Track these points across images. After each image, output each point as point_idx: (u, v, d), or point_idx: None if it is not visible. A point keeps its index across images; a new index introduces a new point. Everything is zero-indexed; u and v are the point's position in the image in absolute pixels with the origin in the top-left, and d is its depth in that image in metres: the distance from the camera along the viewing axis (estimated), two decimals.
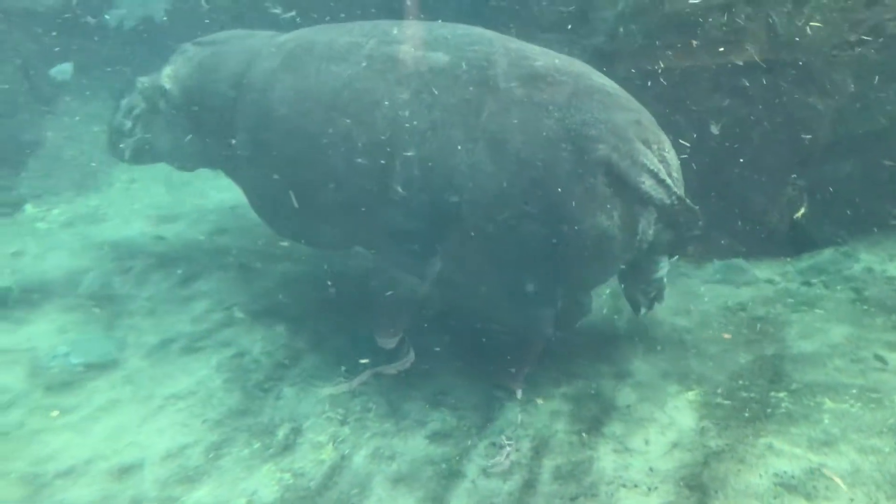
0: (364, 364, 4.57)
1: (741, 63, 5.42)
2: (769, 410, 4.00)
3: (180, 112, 5.46)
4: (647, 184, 3.93)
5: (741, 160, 5.58)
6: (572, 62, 4.42)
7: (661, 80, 5.53)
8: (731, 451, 3.69)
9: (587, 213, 3.92)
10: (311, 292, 5.64)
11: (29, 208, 7.52)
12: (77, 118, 8.24)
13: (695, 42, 5.46)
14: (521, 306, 4.32)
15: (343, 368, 4.65)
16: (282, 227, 5.40)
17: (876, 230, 5.56)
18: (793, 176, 5.59)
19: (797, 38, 5.32)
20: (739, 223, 5.75)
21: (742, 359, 4.52)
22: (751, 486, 3.44)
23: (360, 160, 4.33)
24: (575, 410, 4.18)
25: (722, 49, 5.42)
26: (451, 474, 3.75)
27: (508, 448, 3.88)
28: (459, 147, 4.08)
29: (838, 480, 3.39)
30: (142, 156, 5.88)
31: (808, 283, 5.30)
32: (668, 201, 3.95)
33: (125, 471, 3.86)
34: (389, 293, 4.70)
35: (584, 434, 3.96)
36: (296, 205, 4.70)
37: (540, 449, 3.88)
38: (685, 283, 5.48)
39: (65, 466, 3.90)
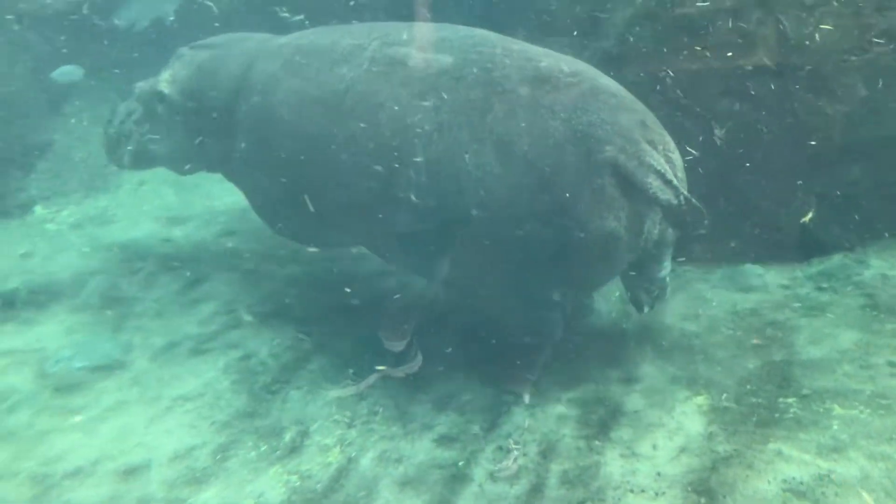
0: (377, 369, 4.56)
1: (751, 67, 5.40)
2: (778, 416, 3.97)
3: (179, 116, 5.46)
4: (655, 184, 3.92)
5: (750, 165, 5.55)
6: (575, 63, 4.41)
7: (670, 83, 5.51)
8: (739, 457, 3.67)
9: (595, 215, 3.92)
10: (318, 295, 5.65)
11: (38, 210, 7.56)
12: (85, 121, 8.28)
13: (704, 46, 5.45)
14: (529, 309, 4.31)
15: (351, 371, 4.65)
16: (283, 228, 5.40)
17: (886, 235, 5.52)
18: (800, 182, 5.56)
19: (807, 42, 5.30)
20: (748, 228, 5.72)
21: (751, 364, 4.49)
22: (759, 491, 3.42)
23: (364, 162, 4.32)
24: (582, 415, 4.17)
25: (731, 53, 5.40)
26: (458, 478, 3.74)
27: (516, 452, 3.87)
28: (466, 149, 4.08)
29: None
30: (140, 161, 5.84)
31: (817, 289, 5.27)
32: (675, 201, 3.93)
33: (132, 472, 3.88)
34: (397, 296, 4.69)
35: (591, 439, 3.95)
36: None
37: (547, 453, 3.87)
38: (694, 288, 5.45)
39: (73, 467, 3.92)
